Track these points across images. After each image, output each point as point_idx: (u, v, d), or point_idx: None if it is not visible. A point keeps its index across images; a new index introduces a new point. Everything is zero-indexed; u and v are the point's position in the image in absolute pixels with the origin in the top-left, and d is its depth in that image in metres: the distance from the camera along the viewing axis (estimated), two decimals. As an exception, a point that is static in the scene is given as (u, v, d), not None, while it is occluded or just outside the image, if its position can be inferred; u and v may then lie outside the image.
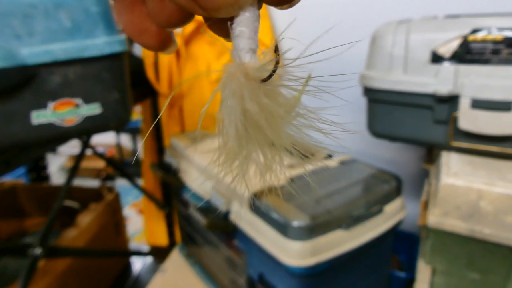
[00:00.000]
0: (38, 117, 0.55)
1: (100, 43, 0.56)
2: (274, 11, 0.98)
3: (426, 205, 0.62)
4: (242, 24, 0.14)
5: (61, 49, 0.53)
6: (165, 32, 0.16)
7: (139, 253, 1.26)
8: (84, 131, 0.60)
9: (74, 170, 0.82)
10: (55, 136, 0.58)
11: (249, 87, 0.14)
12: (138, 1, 0.15)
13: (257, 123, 0.14)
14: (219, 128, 0.15)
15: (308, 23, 0.95)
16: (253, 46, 0.14)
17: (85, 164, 1.93)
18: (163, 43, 0.16)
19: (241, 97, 0.14)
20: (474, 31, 0.58)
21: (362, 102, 0.74)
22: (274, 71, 0.14)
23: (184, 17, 0.14)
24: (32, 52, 0.52)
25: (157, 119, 1.07)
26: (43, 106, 0.55)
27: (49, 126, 0.56)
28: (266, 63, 0.14)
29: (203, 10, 0.13)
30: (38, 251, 0.70)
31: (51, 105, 0.56)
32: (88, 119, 0.59)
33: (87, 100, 0.58)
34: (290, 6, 0.15)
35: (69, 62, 0.55)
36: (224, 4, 0.13)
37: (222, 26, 0.15)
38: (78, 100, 0.58)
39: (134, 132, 2.03)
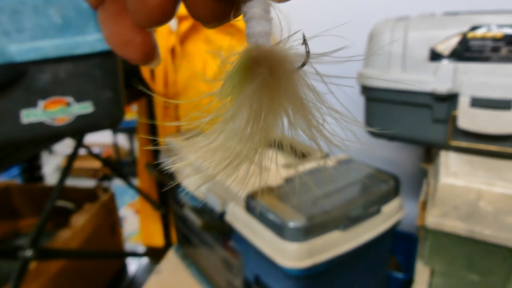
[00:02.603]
0: (28, 116, 0.54)
1: (91, 40, 0.55)
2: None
3: (424, 206, 0.62)
4: (257, 5, 0.13)
5: (51, 46, 0.52)
6: (149, 45, 0.15)
7: (134, 254, 1.24)
8: (76, 130, 0.59)
9: (67, 170, 0.81)
10: (46, 136, 0.56)
11: (280, 74, 0.13)
12: (122, 11, 0.14)
13: (277, 112, 0.14)
14: (226, 116, 0.14)
15: (304, 20, 0.94)
16: (269, 29, 0.14)
17: (82, 164, 1.92)
18: (147, 56, 0.15)
19: (268, 82, 0.13)
20: (473, 28, 0.57)
21: (359, 101, 0.73)
22: (306, 62, 0.14)
23: (165, 14, 0.13)
24: (21, 49, 0.50)
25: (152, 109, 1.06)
26: (33, 104, 0.54)
27: (40, 125, 0.55)
28: (300, 53, 0.14)
29: None
30: (29, 253, 0.69)
31: (41, 103, 0.54)
32: (80, 118, 0.58)
33: (79, 99, 0.57)
34: None
35: (60, 59, 0.54)
36: None
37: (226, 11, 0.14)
38: (70, 99, 0.56)
39: (131, 131, 2.02)
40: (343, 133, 0.15)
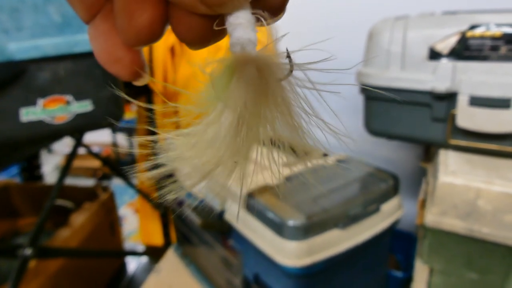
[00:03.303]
0: (27, 114, 0.54)
1: (91, 39, 0.55)
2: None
3: (423, 204, 0.62)
4: (242, 17, 0.14)
5: (50, 45, 0.52)
6: (138, 63, 0.16)
7: (133, 253, 1.24)
8: (75, 128, 0.59)
9: (66, 169, 0.81)
10: (46, 134, 0.56)
11: (266, 79, 0.14)
12: (112, 29, 0.15)
13: (261, 118, 0.14)
14: (215, 119, 0.14)
15: (304, 20, 0.94)
16: (254, 37, 0.14)
17: (81, 163, 1.92)
18: (135, 74, 0.16)
19: (254, 86, 0.13)
20: (472, 27, 0.57)
21: (359, 100, 0.73)
22: (291, 71, 0.14)
23: (153, 35, 0.14)
24: (20, 47, 0.50)
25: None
26: (32, 103, 0.54)
27: (39, 123, 0.55)
28: (285, 61, 0.14)
29: (206, 7, 0.13)
30: (28, 251, 0.69)
31: (40, 102, 0.54)
32: (80, 117, 0.58)
33: (78, 97, 0.57)
34: (274, 22, 0.15)
35: (59, 57, 0.54)
36: None
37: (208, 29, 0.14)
38: (69, 97, 0.56)
39: (131, 131, 2.02)
40: (337, 138, 0.16)
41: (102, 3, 0.15)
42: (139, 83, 0.16)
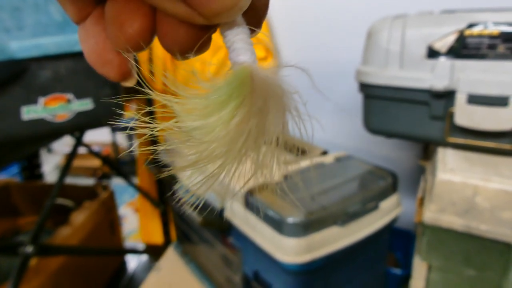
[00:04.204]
0: (29, 113, 0.54)
1: (91, 37, 0.55)
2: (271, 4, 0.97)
3: (422, 202, 0.62)
4: (241, 31, 0.14)
5: (51, 43, 0.52)
6: (127, 66, 0.16)
7: (134, 251, 1.25)
8: (76, 127, 0.59)
9: (66, 168, 0.81)
10: (47, 132, 0.57)
11: (271, 88, 0.14)
12: (103, 32, 0.15)
13: (264, 124, 0.14)
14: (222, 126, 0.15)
15: (303, 19, 0.95)
16: (253, 52, 0.15)
17: (81, 162, 1.92)
18: (124, 76, 0.16)
19: (261, 96, 0.14)
20: (470, 25, 0.57)
21: (358, 99, 0.74)
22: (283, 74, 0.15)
23: (142, 44, 0.15)
24: (21, 46, 0.51)
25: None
26: (33, 101, 0.54)
27: (40, 121, 0.55)
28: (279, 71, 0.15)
29: (203, 18, 0.13)
30: (29, 249, 0.69)
31: (41, 100, 0.55)
32: (80, 115, 0.58)
33: (79, 96, 0.57)
34: (255, 34, 0.16)
35: (60, 56, 0.54)
36: (225, 9, 0.13)
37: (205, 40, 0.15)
38: (70, 95, 0.57)
39: (131, 130, 2.01)
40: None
41: (92, 6, 0.15)
42: (126, 84, 0.17)
